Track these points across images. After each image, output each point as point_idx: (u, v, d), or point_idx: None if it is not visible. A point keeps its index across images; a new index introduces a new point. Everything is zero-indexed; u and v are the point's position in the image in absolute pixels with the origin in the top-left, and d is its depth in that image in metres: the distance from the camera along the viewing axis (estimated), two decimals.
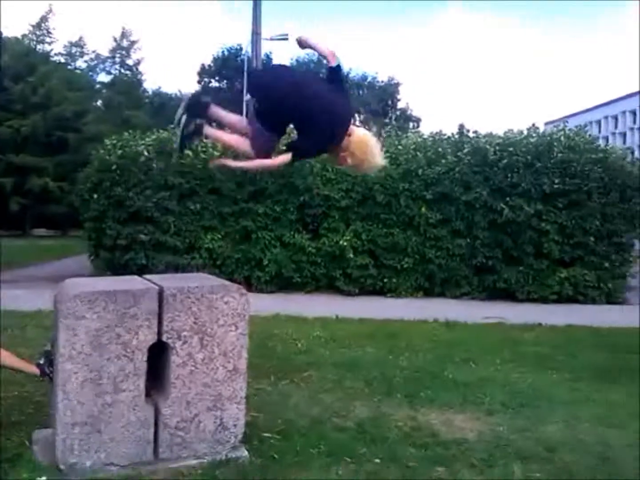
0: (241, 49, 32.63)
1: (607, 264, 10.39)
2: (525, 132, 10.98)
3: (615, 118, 56.73)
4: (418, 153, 10.67)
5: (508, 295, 10.44)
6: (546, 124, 35.58)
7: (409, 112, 50.86)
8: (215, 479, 3.01)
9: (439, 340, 6.75)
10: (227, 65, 41.72)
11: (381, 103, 48.48)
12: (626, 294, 10.61)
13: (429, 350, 6.16)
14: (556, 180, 10.18)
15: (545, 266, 10.34)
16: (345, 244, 10.35)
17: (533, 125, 11.21)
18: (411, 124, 45.59)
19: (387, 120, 41.59)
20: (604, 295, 10.43)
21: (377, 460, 3.29)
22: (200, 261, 10.30)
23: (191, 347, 3.17)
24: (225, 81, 42.56)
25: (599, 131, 51.43)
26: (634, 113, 54.62)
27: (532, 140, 10.65)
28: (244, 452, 3.28)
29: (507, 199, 10.22)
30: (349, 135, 3.25)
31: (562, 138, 10.63)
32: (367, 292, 10.57)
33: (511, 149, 10.39)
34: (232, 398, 3.27)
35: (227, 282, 3.45)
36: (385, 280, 10.58)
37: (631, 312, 9.68)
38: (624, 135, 54.59)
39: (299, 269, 10.51)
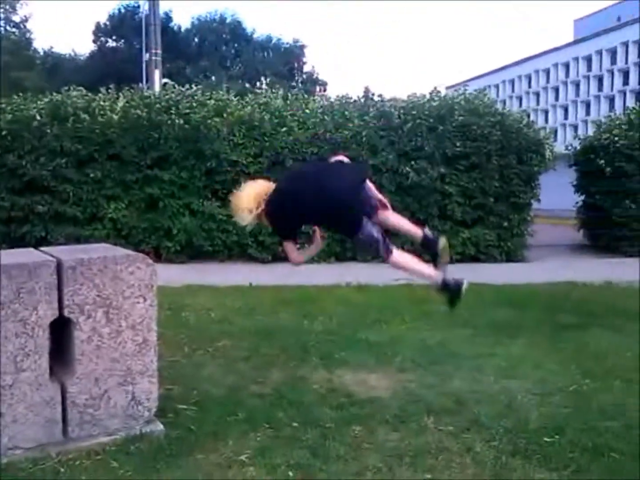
0: (138, 6, 31.31)
1: (506, 224, 10.90)
2: (427, 96, 11.19)
3: (512, 82, 59.08)
4: (326, 117, 10.66)
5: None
6: (447, 88, 36.45)
7: (315, 75, 50.64)
8: (130, 455, 2.92)
9: (352, 303, 6.87)
10: (124, 23, 39.72)
11: (287, 66, 47.92)
12: (525, 252, 11.21)
13: (343, 313, 6.25)
14: (458, 144, 10.50)
15: (448, 227, 10.71)
16: None
17: (435, 89, 11.42)
18: (318, 88, 45.47)
19: (293, 84, 41.22)
20: (505, 253, 10.97)
21: (295, 424, 3.31)
22: (104, 232, 9.89)
23: (96, 322, 3.03)
24: (122, 40, 40.49)
25: (497, 95, 53.41)
26: (529, 77, 57.09)
27: (434, 104, 10.89)
28: (158, 426, 3.20)
29: (412, 162, 10.45)
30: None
31: (462, 102, 10.94)
32: (280, 258, 10.51)
33: (414, 112, 10.58)
34: (144, 372, 3.17)
35: (131, 252, 3.31)
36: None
37: (530, 269, 10.26)
38: (520, 98, 56.99)
39: (209, 237, 10.31)
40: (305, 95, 11.91)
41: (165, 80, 15.21)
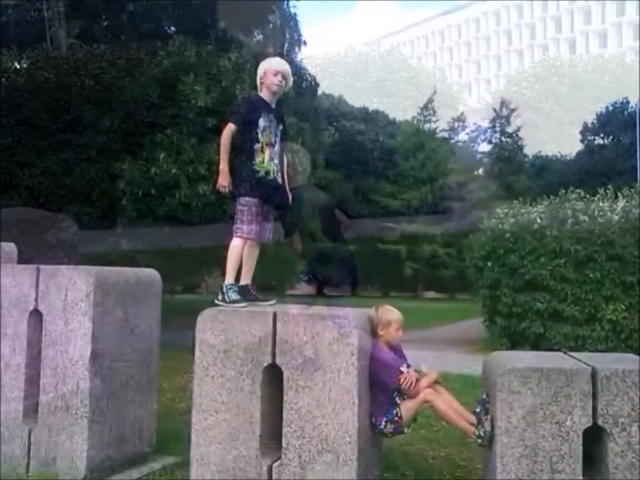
0: (628, 102, 29.42)
1: None
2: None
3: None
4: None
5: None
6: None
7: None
8: None
9: None
10: (611, 121, 34.98)
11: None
12: None
13: None
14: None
15: None
16: None
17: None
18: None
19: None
20: None
21: None
22: (602, 333, 9.14)
23: (630, 436, 2.99)
24: (610, 137, 35.70)
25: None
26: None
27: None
28: None
29: None
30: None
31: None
32: None
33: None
34: None
35: None
36: None
37: None
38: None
39: None
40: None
41: None
